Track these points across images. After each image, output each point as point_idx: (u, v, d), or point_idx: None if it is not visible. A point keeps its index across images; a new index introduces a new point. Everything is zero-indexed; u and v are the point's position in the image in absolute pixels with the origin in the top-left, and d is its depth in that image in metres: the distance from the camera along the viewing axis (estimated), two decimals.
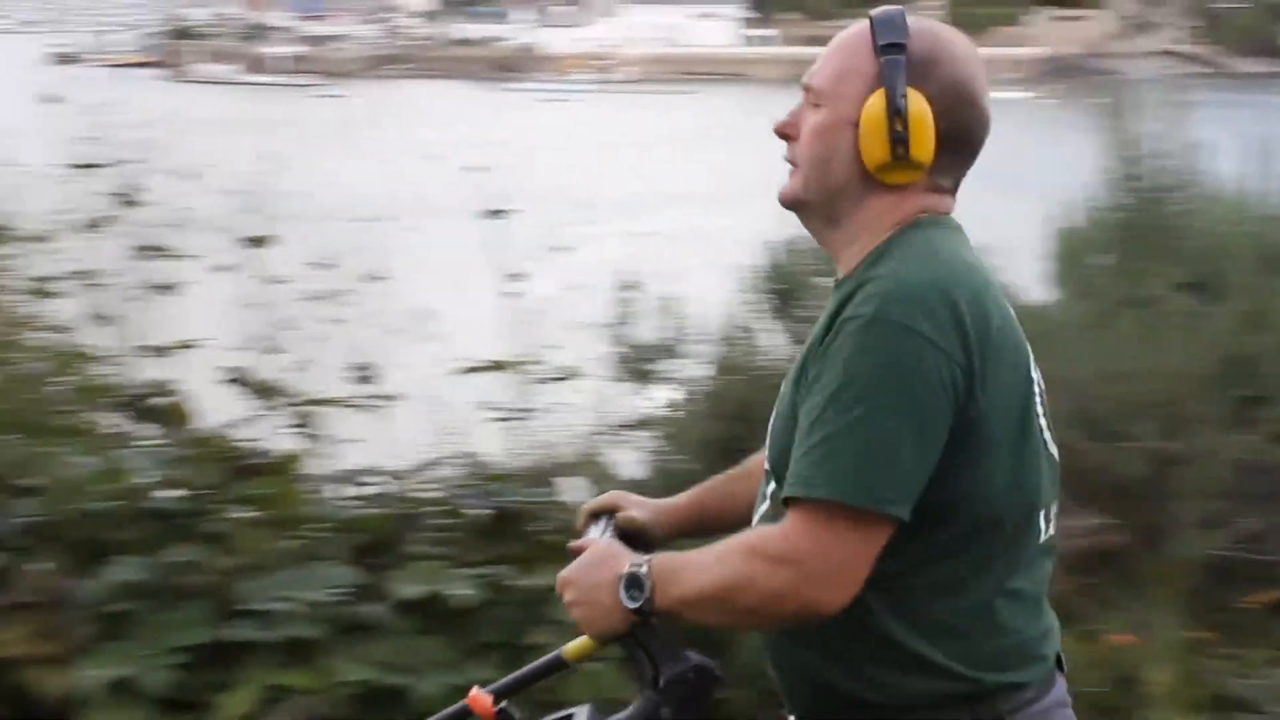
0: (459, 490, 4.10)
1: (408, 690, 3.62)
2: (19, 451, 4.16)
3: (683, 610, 1.91)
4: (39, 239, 4.51)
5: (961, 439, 1.83)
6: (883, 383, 1.80)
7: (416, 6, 75.09)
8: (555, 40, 66.51)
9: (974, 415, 1.83)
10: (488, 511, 4.12)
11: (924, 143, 1.90)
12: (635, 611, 1.91)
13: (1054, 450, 1.98)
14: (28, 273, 4.44)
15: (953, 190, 2.01)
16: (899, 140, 1.89)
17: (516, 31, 70.01)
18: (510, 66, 62.82)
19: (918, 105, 1.89)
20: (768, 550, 1.84)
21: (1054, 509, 1.99)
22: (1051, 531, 1.99)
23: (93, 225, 4.51)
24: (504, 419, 4.25)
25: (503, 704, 2.09)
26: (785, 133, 2.01)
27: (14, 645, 3.84)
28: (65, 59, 42.58)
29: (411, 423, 4.25)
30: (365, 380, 4.19)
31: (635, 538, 2.16)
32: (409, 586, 3.80)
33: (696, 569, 1.90)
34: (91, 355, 4.48)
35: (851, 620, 1.86)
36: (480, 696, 2.13)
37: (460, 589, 3.82)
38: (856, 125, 1.90)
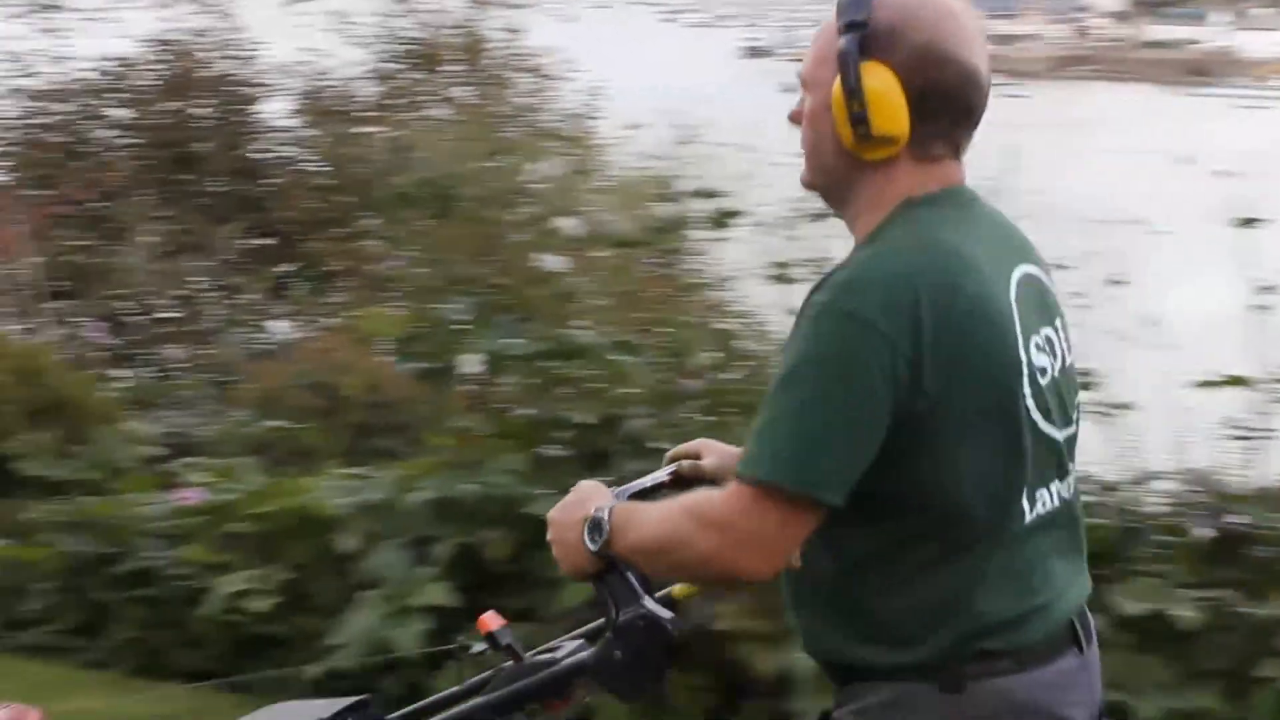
0: (1186, 507, 4.06)
1: (1128, 708, 3.62)
2: None
3: (632, 557, 2.02)
4: (774, 225, 4.94)
5: (913, 429, 1.87)
6: (824, 371, 1.87)
7: (1108, 6, 73.17)
8: (1255, 43, 62.34)
9: (924, 406, 1.86)
10: (1210, 532, 4.02)
11: (888, 117, 1.92)
12: (596, 554, 2.03)
13: (1053, 428, 1.99)
14: (766, 258, 4.88)
15: (954, 154, 2.01)
16: (859, 120, 1.92)
17: (1213, 34, 66.33)
18: (1202, 70, 59.69)
19: (878, 79, 1.92)
20: (704, 515, 1.95)
21: (1057, 486, 2.02)
22: (1051, 507, 2.01)
23: (823, 215, 4.90)
24: (1241, 438, 4.14)
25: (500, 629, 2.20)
26: (794, 120, 2.06)
27: (731, 619, 4.14)
28: (756, 53, 45.32)
29: (1135, 433, 4.25)
30: (1090, 386, 4.11)
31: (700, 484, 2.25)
32: (1132, 603, 3.77)
33: (646, 521, 2.01)
34: None
35: (844, 596, 2.00)
36: (489, 617, 2.25)
37: (1184, 610, 3.77)
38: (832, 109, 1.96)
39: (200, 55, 12.27)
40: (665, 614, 2.07)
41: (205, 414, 7.14)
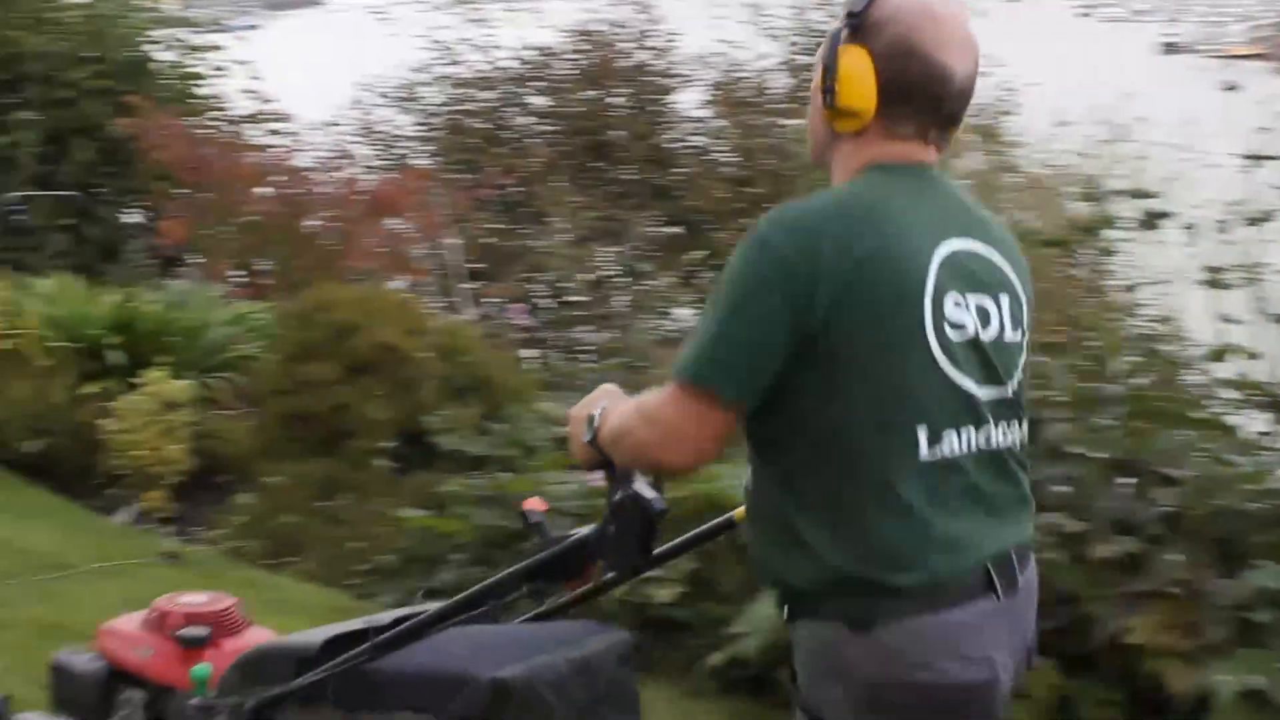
0: None
1: None
2: (1169, 442, 4.42)
3: (606, 448, 2.37)
4: (1206, 228, 4.80)
5: (810, 355, 2.16)
6: (733, 287, 2.20)
7: None
8: None
9: (817, 328, 2.14)
10: None
11: (853, 93, 2.25)
12: (590, 444, 2.38)
13: (969, 381, 2.23)
14: (1197, 262, 4.75)
15: (920, 137, 2.30)
16: (828, 91, 2.27)
17: None
18: None
19: (852, 59, 2.25)
20: (644, 410, 2.28)
21: (972, 434, 2.23)
22: (961, 452, 2.22)
23: (1260, 219, 4.72)
24: None
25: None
26: None
27: (1144, 632, 4.02)
28: (1173, 49, 43.36)
29: None
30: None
31: None
32: None
33: (615, 415, 2.34)
34: (1240, 351, 4.66)
35: (773, 510, 2.26)
36: (533, 501, 2.86)
37: None
38: None
39: (619, 45, 12.79)
40: (650, 494, 2.46)
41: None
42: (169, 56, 12.73)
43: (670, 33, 13.15)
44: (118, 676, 3.48)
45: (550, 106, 13.00)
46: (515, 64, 13.16)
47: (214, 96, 12.72)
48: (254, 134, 11.58)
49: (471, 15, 13.17)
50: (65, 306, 8.04)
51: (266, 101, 12.05)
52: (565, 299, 10.37)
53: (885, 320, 2.18)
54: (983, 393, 2.27)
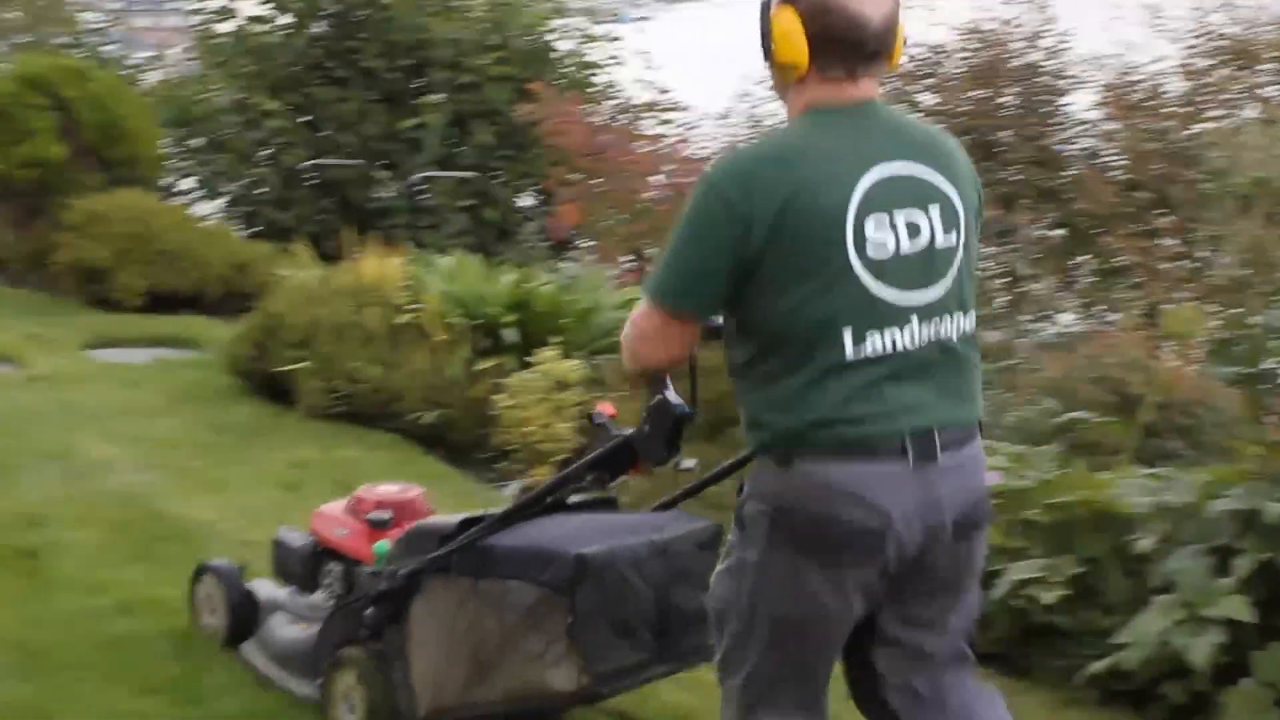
0: None
1: None
2: None
3: (621, 355, 2.96)
4: None
5: (750, 272, 2.67)
6: (688, 221, 2.73)
7: None
8: None
9: (755, 253, 2.65)
10: None
11: (787, 48, 2.70)
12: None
13: (890, 290, 2.67)
14: None
15: (850, 77, 2.72)
16: (767, 51, 2.75)
17: None
18: None
19: (783, 22, 2.71)
20: (633, 321, 2.85)
21: (895, 334, 2.68)
22: (883, 349, 2.67)
23: None
24: None
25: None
26: None
27: None
28: None
29: None
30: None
31: None
32: None
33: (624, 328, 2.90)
34: None
35: (741, 394, 2.79)
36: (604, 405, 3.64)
37: None
38: None
39: (1011, 45, 12.59)
40: (676, 401, 3.06)
41: (985, 398, 7.38)
42: (568, 45, 13.22)
43: (1063, 33, 12.85)
44: (323, 552, 4.34)
45: (938, 105, 12.90)
46: (905, 61, 13.12)
47: (610, 85, 13.13)
48: (648, 123, 11.91)
49: None
50: (464, 284, 8.34)
51: (661, 91, 12.37)
52: None
53: (810, 244, 2.66)
54: (908, 298, 2.71)
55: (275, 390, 8.12)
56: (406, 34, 12.75)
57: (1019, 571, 4.80)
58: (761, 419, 2.75)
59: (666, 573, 3.60)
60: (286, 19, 13.60)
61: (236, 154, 13.59)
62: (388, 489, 4.37)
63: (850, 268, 2.65)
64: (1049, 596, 4.69)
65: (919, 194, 2.72)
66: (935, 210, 2.72)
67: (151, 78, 17.23)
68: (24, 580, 4.95)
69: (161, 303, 10.97)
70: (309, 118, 13.09)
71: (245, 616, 4.46)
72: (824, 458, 2.68)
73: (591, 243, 10.97)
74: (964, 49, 12.79)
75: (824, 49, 2.70)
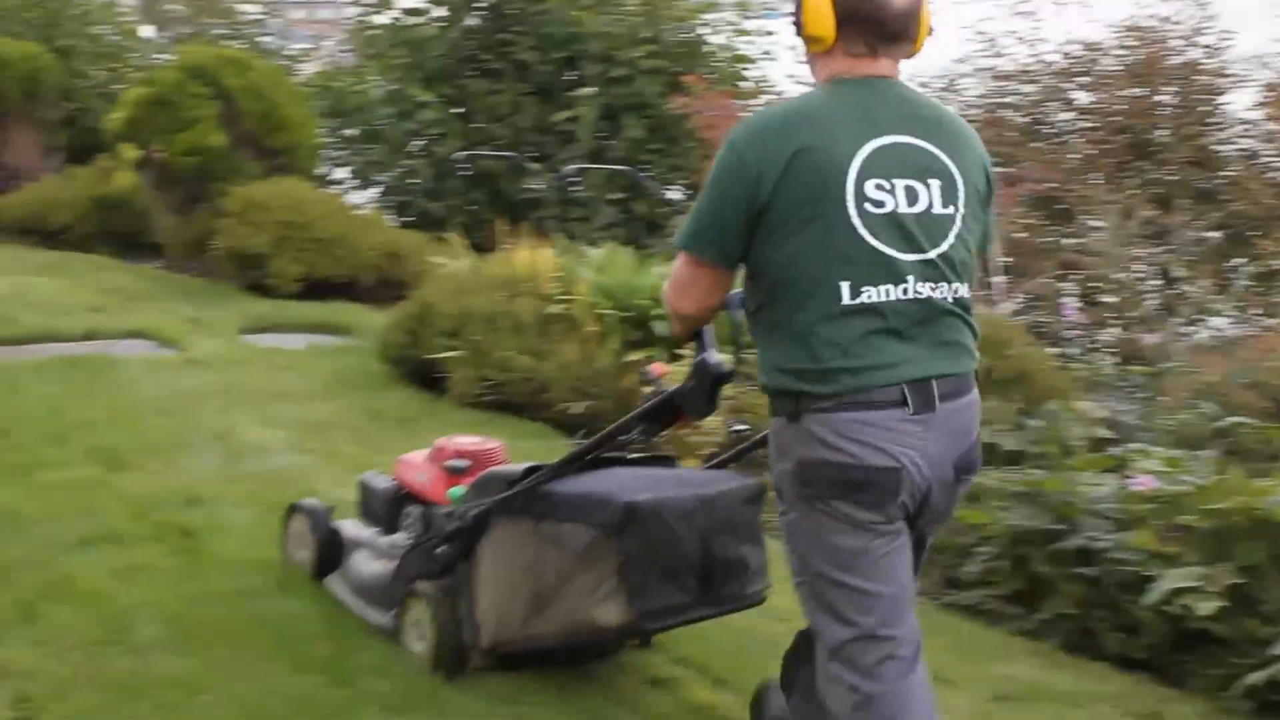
0: None
1: None
2: None
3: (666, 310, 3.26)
4: None
5: (763, 225, 2.94)
6: (713, 179, 3.00)
7: None
8: None
9: (763, 205, 2.92)
10: None
11: (816, 22, 2.99)
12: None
13: (887, 247, 2.92)
14: None
15: (870, 53, 3.01)
16: (797, 23, 3.04)
17: None
18: None
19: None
20: (671, 275, 3.15)
21: (890, 288, 2.92)
22: (879, 300, 2.91)
23: None
24: None
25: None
26: None
27: None
28: None
29: None
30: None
31: None
32: None
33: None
34: None
35: (757, 338, 3.06)
36: (657, 365, 3.95)
37: None
38: None
39: (1170, 42, 12.28)
40: (715, 359, 3.34)
41: (1138, 401, 7.24)
42: (720, 39, 13.18)
43: (1224, 30, 12.50)
44: (404, 496, 4.75)
45: (1092, 103, 12.63)
46: (1060, 58, 12.85)
47: (762, 79, 13.07)
48: None
49: (1019, 7, 12.91)
50: (614, 276, 8.32)
51: (810, 87, 12.27)
52: (1094, 299, 10.12)
53: (813, 199, 2.92)
54: (903, 257, 2.96)
55: (426, 378, 8.22)
56: (559, 27, 12.81)
57: (1174, 579, 4.70)
58: (768, 361, 3.05)
59: (710, 523, 3.87)
60: (441, 11, 13.74)
61: (390, 144, 13.76)
62: (465, 439, 4.76)
63: (849, 222, 2.92)
64: (1206, 607, 4.59)
65: (920, 165, 3.01)
66: (935, 183, 3.01)
67: (307, 69, 17.55)
68: (183, 558, 5.06)
69: (316, 289, 11.15)
70: (462, 109, 13.21)
71: (331, 552, 4.86)
72: (828, 409, 2.94)
73: None
74: (1121, 46, 12.52)
75: (849, 26, 3.01)
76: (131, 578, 4.80)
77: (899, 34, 3.04)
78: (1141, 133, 12.04)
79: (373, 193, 14.27)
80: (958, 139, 3.09)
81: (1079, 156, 11.79)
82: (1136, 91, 12.30)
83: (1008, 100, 12.93)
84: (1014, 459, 6.04)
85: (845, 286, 2.91)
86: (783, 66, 12.92)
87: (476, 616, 4.10)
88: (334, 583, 4.81)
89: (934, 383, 2.95)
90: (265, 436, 6.81)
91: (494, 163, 12.51)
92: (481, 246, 10.28)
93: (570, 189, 12.07)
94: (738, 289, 3.24)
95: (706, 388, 3.39)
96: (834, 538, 2.97)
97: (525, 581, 3.96)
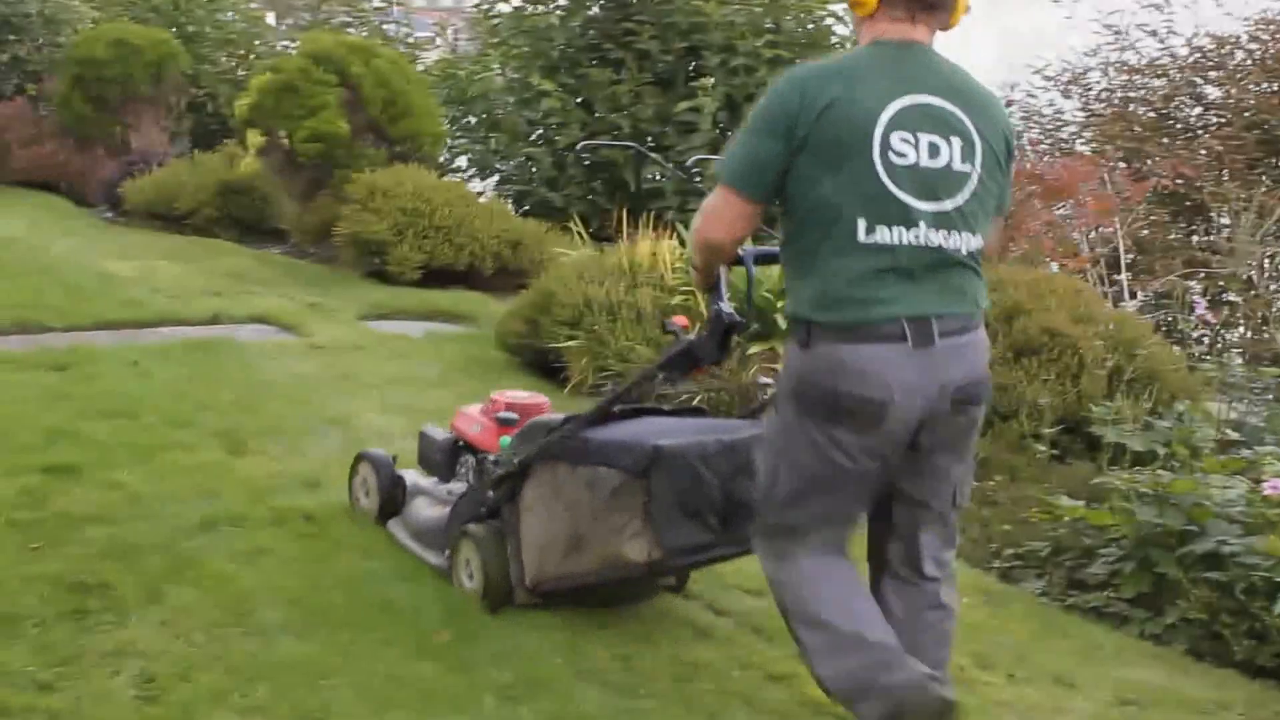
0: None
1: None
2: None
3: (692, 249, 3.63)
4: None
5: (796, 164, 3.29)
6: (755, 116, 3.36)
7: None
8: None
9: (798, 145, 3.27)
10: None
11: None
12: (696, 270, 3.69)
13: (906, 195, 3.26)
14: None
15: (909, 19, 3.39)
16: None
17: None
18: None
19: None
20: (703, 206, 3.47)
21: (902, 232, 3.26)
22: (892, 241, 3.26)
23: None
24: None
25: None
26: None
27: None
28: None
29: None
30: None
31: None
32: None
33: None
34: None
35: (785, 269, 3.47)
36: (679, 318, 4.22)
37: None
38: None
39: None
40: (728, 310, 3.68)
41: (1267, 403, 7.09)
42: (846, 31, 13.06)
43: None
44: (461, 446, 5.18)
45: (1223, 98, 12.35)
46: (1190, 52, 12.59)
47: None
48: None
49: (1149, 1, 12.68)
50: (736, 268, 8.32)
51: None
52: (1221, 298, 9.92)
53: (842, 144, 3.26)
54: (919, 205, 3.27)
55: (545, 367, 8.24)
56: (682, 16, 12.75)
57: None
58: (791, 291, 3.44)
59: (731, 467, 4.12)
60: (563, 0, 13.76)
61: (510, 133, 13.81)
62: (517, 394, 5.20)
63: (873, 167, 3.25)
64: None
65: (944, 124, 3.32)
66: (956, 141, 3.33)
67: (429, 56, 17.68)
68: (304, 542, 5.10)
69: (435, 277, 11.22)
70: (582, 99, 13.21)
71: (393, 498, 5.27)
72: (836, 340, 3.30)
73: None
74: (1253, 40, 12.24)
75: None
76: (253, 561, 4.85)
77: (937, 4, 3.40)
78: (1273, 129, 11.76)
79: (491, 181, 14.33)
80: (982, 105, 3.42)
81: (1208, 153, 11.53)
82: (1271, 86, 12.01)
83: (1136, 94, 12.69)
84: (1142, 459, 5.93)
85: (861, 224, 3.26)
86: None
87: (521, 555, 4.46)
88: (395, 527, 5.21)
89: (934, 320, 3.28)
90: (384, 422, 6.85)
91: (614, 152, 12.50)
92: (600, 236, 10.28)
93: (691, 180, 12.03)
94: (750, 246, 3.79)
95: (719, 336, 3.75)
96: (811, 452, 3.40)
97: (564, 522, 4.33)
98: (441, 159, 14.12)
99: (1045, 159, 10.96)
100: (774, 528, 3.56)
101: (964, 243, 3.32)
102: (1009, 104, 12.68)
